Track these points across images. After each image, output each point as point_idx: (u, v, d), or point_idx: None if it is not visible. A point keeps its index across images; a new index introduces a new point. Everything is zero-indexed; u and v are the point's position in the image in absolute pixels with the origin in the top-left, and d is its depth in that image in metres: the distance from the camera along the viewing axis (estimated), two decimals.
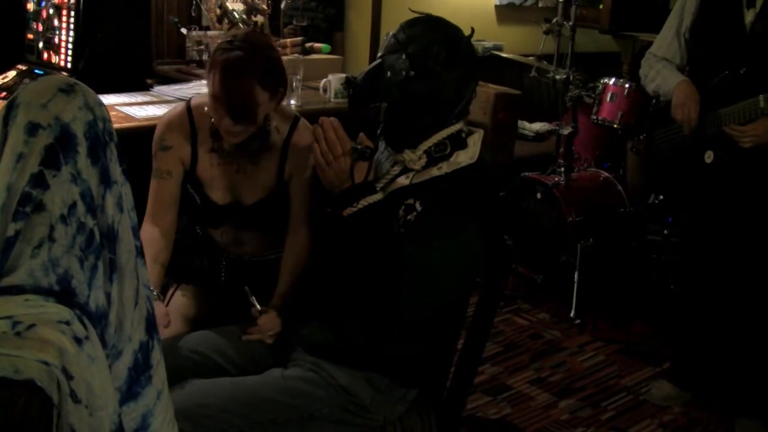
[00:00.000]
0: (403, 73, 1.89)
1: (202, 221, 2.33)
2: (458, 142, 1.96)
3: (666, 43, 3.15)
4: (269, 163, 2.22)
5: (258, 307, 2.09)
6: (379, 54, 1.99)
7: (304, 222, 2.23)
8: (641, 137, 3.56)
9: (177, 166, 2.22)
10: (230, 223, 2.30)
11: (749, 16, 2.87)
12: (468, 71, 1.94)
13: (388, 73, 1.92)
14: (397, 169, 1.97)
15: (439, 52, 1.89)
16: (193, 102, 2.27)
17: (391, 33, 1.98)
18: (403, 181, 1.95)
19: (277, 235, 2.29)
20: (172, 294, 2.35)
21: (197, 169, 2.23)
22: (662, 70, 3.11)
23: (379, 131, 1.93)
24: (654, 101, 3.28)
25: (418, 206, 1.88)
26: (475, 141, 1.98)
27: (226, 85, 2.02)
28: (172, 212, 2.25)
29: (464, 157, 1.94)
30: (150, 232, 2.19)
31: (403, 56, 1.90)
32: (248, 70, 2.02)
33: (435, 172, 1.93)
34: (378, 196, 1.91)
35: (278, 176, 2.23)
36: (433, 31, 1.92)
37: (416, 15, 1.99)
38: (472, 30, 1.99)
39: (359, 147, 1.89)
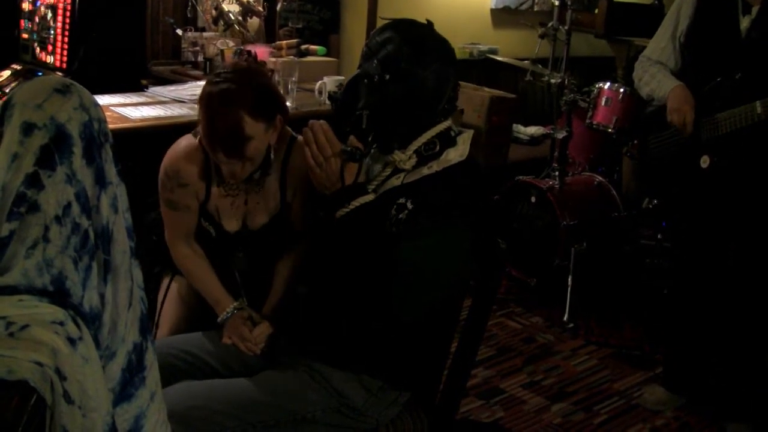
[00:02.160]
0: (377, 77, 1.90)
1: (216, 251, 2.31)
2: (448, 140, 1.97)
3: (661, 47, 3.16)
4: (271, 187, 2.20)
5: (252, 318, 2.09)
6: (358, 65, 2.00)
7: (301, 236, 2.22)
8: (635, 142, 3.57)
9: (193, 201, 2.20)
10: (242, 249, 2.29)
11: (745, 23, 2.88)
12: (442, 66, 1.93)
13: (365, 80, 1.93)
14: (388, 170, 1.98)
15: (408, 52, 1.90)
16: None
17: (365, 42, 2.00)
18: (395, 181, 1.95)
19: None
20: (169, 284, 2.35)
21: (209, 203, 2.21)
22: (657, 74, 3.12)
23: (370, 138, 1.93)
24: (646, 105, 3.28)
25: (409, 205, 1.89)
26: (465, 139, 1.99)
27: (212, 119, 1.98)
28: (193, 236, 2.27)
29: (454, 155, 1.95)
30: (189, 253, 2.24)
31: (375, 62, 1.91)
32: (235, 102, 1.97)
33: (426, 171, 1.93)
34: (370, 197, 1.91)
35: (281, 198, 2.21)
36: (400, 33, 1.93)
37: (387, 21, 2.01)
38: (429, 22, 1.99)
39: (349, 149, 1.90)
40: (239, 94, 1.98)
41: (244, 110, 1.97)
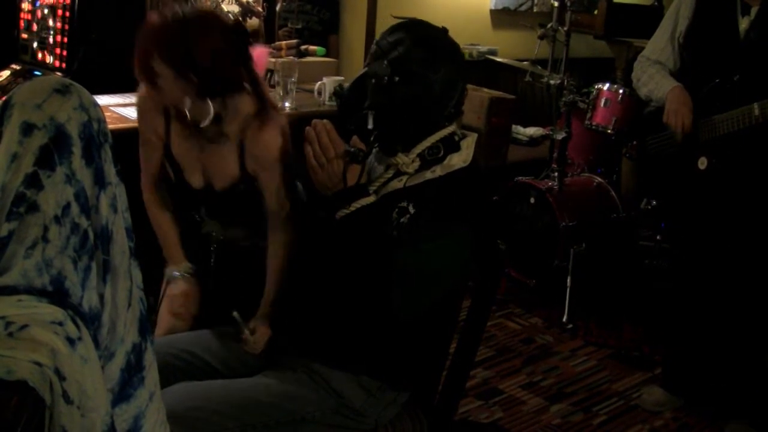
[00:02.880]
0: (387, 78, 1.89)
1: (180, 203, 2.34)
2: (452, 145, 1.97)
3: (659, 47, 3.16)
4: (230, 152, 2.19)
5: (248, 330, 2.09)
6: (365, 63, 2.00)
7: (279, 226, 2.19)
8: (635, 142, 3.57)
9: (155, 135, 2.23)
10: (206, 207, 2.30)
11: (744, 24, 2.88)
12: (452, 71, 1.93)
13: (373, 80, 1.93)
14: (390, 172, 1.97)
15: (420, 55, 1.89)
16: None
17: (375, 41, 2.00)
18: (397, 184, 1.95)
19: (261, 226, 2.28)
20: (164, 288, 2.35)
21: (171, 143, 2.22)
22: (655, 75, 3.12)
23: (372, 138, 1.93)
24: (645, 106, 3.29)
25: (411, 209, 1.88)
26: (469, 144, 1.99)
27: (140, 36, 2.02)
28: (159, 182, 2.31)
29: (458, 160, 1.94)
30: (154, 199, 2.29)
31: (386, 62, 1.90)
32: (153, 35, 2.00)
33: (429, 175, 1.93)
34: (371, 199, 1.91)
35: (241, 168, 2.19)
36: (412, 35, 1.92)
37: (399, 21, 2.00)
38: (445, 29, 1.99)
39: (352, 149, 1.89)
40: (162, 31, 2.00)
41: (156, 49, 1.99)
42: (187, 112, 2.07)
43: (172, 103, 2.10)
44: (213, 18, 2.08)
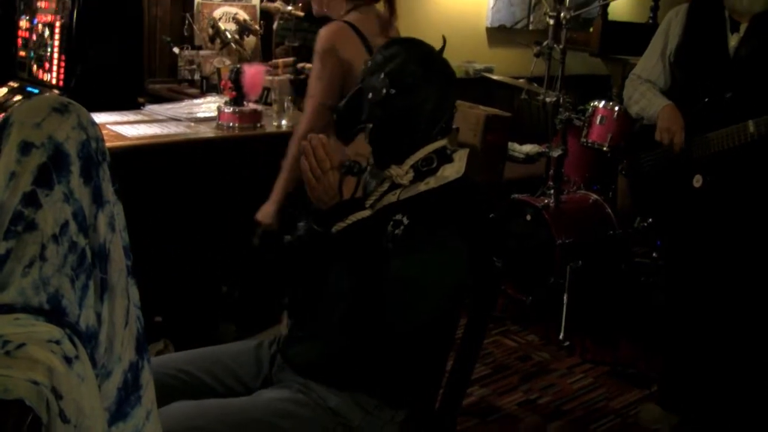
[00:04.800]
0: (384, 91, 1.93)
1: None
2: (445, 157, 1.99)
3: (650, 65, 3.18)
4: None
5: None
6: (359, 80, 2.03)
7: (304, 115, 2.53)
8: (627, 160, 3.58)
9: None
10: None
11: (733, 41, 2.90)
12: (445, 85, 1.98)
13: (370, 94, 1.96)
14: (385, 185, 1.99)
15: (416, 69, 1.94)
16: None
17: (368, 59, 2.03)
18: (392, 197, 1.96)
19: None
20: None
21: None
22: (646, 93, 3.13)
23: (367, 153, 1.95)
24: (636, 123, 3.30)
25: (405, 221, 1.89)
26: (461, 157, 2.01)
27: None
28: None
29: (451, 171, 1.96)
30: None
31: (382, 76, 1.94)
32: None
33: (422, 187, 1.94)
34: (367, 212, 1.92)
35: None
36: (408, 50, 1.98)
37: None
38: (444, 41, 2.05)
39: (348, 163, 1.91)
40: None
41: None
42: None
43: None
44: None
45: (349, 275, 1.89)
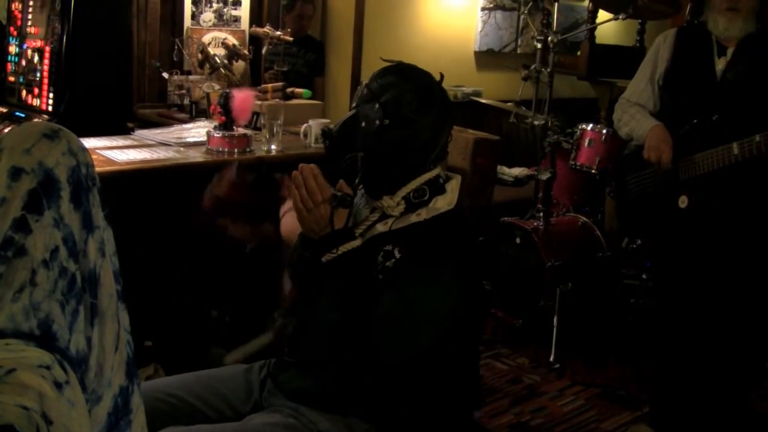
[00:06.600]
0: (377, 122, 1.91)
1: None
2: (437, 188, 1.98)
3: (639, 89, 3.21)
4: None
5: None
6: (353, 105, 2.01)
7: None
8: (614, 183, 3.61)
9: None
10: None
11: (720, 64, 2.94)
12: (441, 116, 1.95)
13: (363, 123, 1.94)
14: (375, 215, 1.98)
15: (411, 100, 1.91)
16: None
17: (364, 83, 2.01)
18: (382, 227, 1.95)
19: None
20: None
21: None
22: (636, 115, 3.17)
23: (357, 180, 1.94)
24: (625, 146, 3.33)
25: (396, 253, 1.88)
26: (453, 187, 2.00)
27: None
28: None
29: (443, 203, 1.96)
30: None
31: (377, 106, 1.92)
32: None
33: (414, 218, 1.94)
34: (357, 243, 1.91)
35: None
36: (404, 80, 1.94)
37: (388, 63, 2.02)
38: (442, 76, 2.01)
39: (339, 194, 1.90)
40: None
41: None
42: None
43: None
44: None
45: (339, 307, 1.88)
